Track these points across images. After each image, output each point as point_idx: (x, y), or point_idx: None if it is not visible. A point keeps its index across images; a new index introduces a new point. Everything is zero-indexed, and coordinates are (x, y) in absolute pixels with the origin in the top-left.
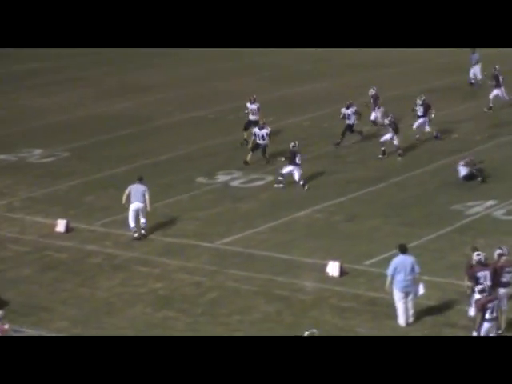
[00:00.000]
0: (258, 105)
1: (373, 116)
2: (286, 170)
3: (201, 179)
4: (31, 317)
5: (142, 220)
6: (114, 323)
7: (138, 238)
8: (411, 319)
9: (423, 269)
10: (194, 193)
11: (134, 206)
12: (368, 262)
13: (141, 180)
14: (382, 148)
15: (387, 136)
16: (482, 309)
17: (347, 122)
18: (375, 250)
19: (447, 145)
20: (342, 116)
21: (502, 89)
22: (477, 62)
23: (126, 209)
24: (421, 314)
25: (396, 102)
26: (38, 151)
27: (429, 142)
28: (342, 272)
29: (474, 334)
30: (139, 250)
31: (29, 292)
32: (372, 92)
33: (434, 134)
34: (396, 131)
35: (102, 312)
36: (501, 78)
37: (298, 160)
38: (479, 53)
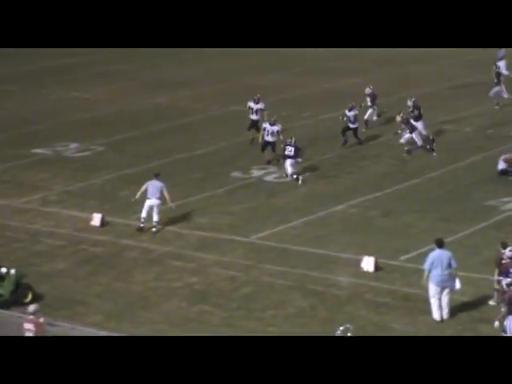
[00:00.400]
0: (262, 105)
1: (367, 115)
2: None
3: (236, 174)
4: (66, 310)
5: (156, 218)
6: (149, 317)
7: (141, 229)
8: (446, 315)
9: (458, 264)
10: (228, 187)
11: (150, 202)
12: (403, 258)
13: (157, 176)
14: (406, 148)
15: (407, 135)
16: (509, 302)
17: (350, 125)
18: (410, 245)
19: (482, 140)
20: (343, 118)
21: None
22: (502, 58)
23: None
24: (456, 309)
25: (425, 98)
26: (73, 145)
27: (464, 137)
28: (377, 267)
29: (496, 323)
30: (174, 244)
31: (64, 286)
32: (368, 91)
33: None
34: (412, 128)
35: (136, 306)
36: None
37: (287, 152)
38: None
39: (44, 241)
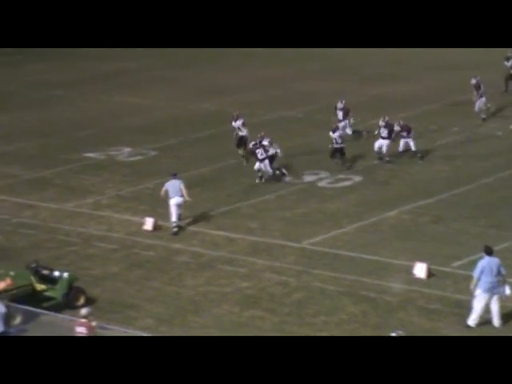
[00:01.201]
0: (242, 120)
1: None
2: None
3: (287, 179)
4: (117, 314)
5: (179, 211)
6: (200, 322)
7: (176, 234)
8: (498, 323)
9: (510, 271)
10: (280, 193)
11: (174, 200)
12: (455, 264)
13: (175, 175)
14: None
15: (401, 143)
16: None
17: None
18: (462, 251)
19: None
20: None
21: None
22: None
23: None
24: (507, 316)
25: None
26: (126, 150)
27: None
28: (429, 274)
29: None
30: (225, 249)
31: (115, 289)
32: (340, 105)
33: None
34: (389, 136)
35: (187, 311)
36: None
37: (259, 155)
38: None
39: (96, 244)
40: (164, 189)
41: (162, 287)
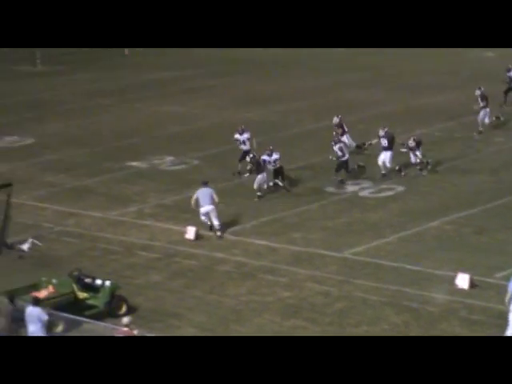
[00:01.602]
0: (247, 135)
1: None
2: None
3: (330, 189)
4: (159, 323)
5: (216, 222)
6: (242, 331)
7: (220, 236)
8: None
9: None
10: (322, 202)
11: (205, 209)
12: (498, 275)
13: (206, 184)
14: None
15: (412, 157)
16: None
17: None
18: (506, 262)
19: None
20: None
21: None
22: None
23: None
24: None
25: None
26: (169, 158)
27: None
28: (472, 284)
29: None
30: (267, 258)
31: (157, 298)
32: (336, 120)
33: (397, 167)
34: (390, 146)
35: (229, 320)
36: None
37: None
38: None
39: (138, 253)
40: (194, 197)
41: (203, 296)
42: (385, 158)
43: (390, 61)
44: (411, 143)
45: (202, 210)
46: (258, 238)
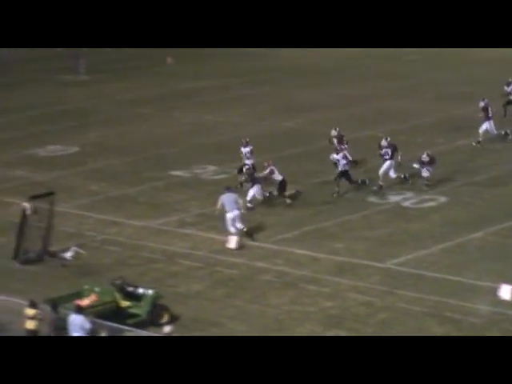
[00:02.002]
0: (250, 147)
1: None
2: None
3: (372, 199)
4: (201, 332)
5: (241, 226)
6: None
7: (252, 236)
8: None
9: None
10: (365, 212)
11: (231, 214)
12: None
13: (229, 189)
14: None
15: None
16: None
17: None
18: None
19: None
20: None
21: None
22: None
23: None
24: None
25: None
26: (211, 168)
27: None
28: None
29: None
30: (309, 268)
31: (199, 307)
32: (334, 133)
33: (402, 176)
34: (392, 156)
35: (271, 329)
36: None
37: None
38: None
39: (180, 262)
40: (219, 202)
41: (245, 306)
42: (387, 168)
43: (427, 69)
44: (425, 158)
45: (229, 215)
46: (300, 247)
